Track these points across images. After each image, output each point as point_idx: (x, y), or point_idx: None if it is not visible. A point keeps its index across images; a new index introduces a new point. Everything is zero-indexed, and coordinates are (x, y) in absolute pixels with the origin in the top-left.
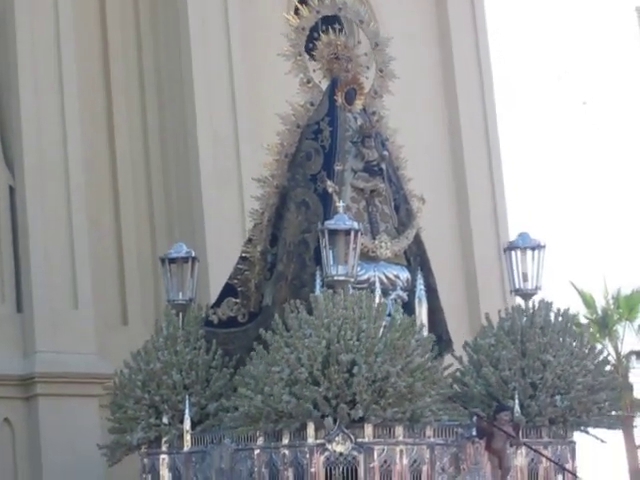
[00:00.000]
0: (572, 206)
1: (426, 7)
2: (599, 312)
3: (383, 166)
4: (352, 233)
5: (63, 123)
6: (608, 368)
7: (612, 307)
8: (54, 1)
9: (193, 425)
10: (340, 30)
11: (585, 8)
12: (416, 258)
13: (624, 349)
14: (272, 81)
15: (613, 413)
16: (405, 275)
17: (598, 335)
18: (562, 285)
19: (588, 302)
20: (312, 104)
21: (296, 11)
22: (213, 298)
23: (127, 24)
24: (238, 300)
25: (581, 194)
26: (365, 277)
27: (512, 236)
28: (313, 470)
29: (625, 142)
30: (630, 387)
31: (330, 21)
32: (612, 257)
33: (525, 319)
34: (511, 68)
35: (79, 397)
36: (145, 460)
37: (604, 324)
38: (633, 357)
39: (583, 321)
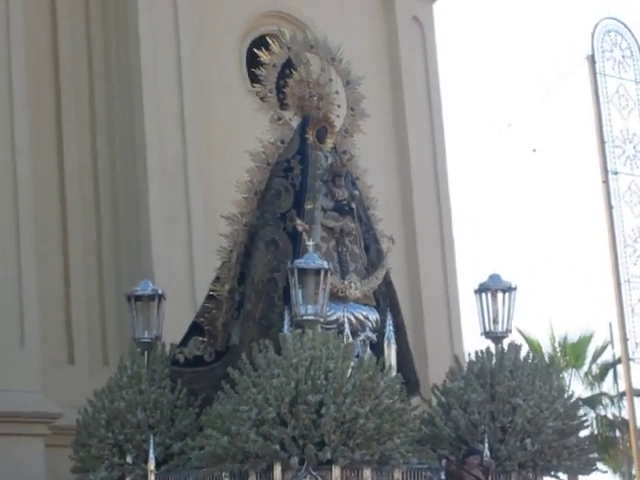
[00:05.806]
0: (519, 252)
1: (379, 50)
2: (546, 359)
3: (353, 205)
4: (322, 272)
5: (12, 155)
6: (579, 412)
7: (559, 354)
8: (5, 10)
9: (157, 465)
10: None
11: (535, 57)
12: (385, 299)
13: None
14: (223, 115)
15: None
16: (374, 316)
17: None
18: None
19: (535, 348)
20: (282, 141)
21: (265, 47)
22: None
23: (79, 56)
24: (205, 339)
25: (528, 240)
26: (334, 317)
27: (460, 279)
28: None
29: (574, 190)
30: None
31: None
32: (559, 303)
33: (495, 362)
34: (461, 117)
35: (25, 436)
36: None
37: None
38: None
39: None
